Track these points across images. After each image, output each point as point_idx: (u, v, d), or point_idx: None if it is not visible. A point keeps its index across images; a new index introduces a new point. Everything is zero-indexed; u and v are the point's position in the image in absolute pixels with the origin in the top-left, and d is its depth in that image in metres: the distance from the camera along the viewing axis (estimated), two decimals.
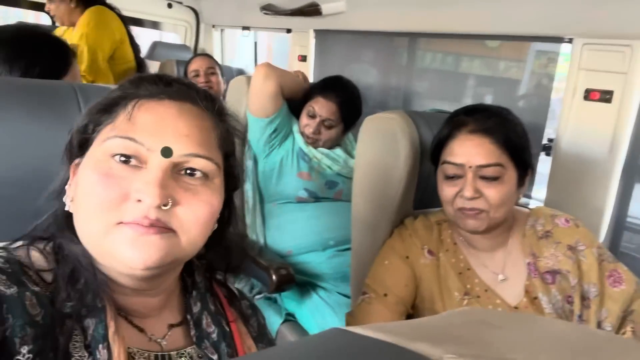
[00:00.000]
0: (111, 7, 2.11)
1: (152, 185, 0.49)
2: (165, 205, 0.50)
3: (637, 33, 1.16)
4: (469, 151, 0.92)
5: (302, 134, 1.61)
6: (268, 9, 2.28)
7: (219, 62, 2.48)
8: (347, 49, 2.28)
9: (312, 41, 2.23)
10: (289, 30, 2.36)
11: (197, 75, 2.24)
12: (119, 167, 0.51)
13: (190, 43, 3.10)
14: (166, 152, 0.51)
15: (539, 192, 1.50)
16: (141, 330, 0.56)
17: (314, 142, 1.61)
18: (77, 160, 0.55)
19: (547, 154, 1.46)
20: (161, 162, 0.51)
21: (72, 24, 2.08)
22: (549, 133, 1.51)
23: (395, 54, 2.18)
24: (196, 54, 2.55)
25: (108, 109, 0.53)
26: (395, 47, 2.16)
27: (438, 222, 1.06)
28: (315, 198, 1.61)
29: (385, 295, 1.01)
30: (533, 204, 1.46)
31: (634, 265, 1.01)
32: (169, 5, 2.96)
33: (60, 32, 2.12)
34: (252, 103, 1.60)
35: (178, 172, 0.53)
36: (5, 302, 0.45)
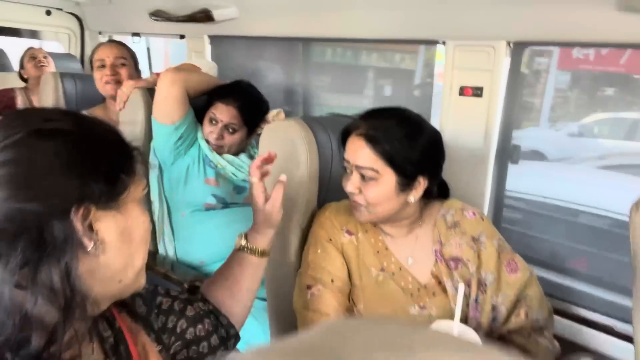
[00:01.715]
0: None
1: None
2: None
3: (498, 35, 1.32)
4: (354, 152, 1.02)
5: (207, 141, 1.61)
6: (157, 15, 2.21)
7: None
8: (245, 52, 2.29)
9: (208, 47, 2.21)
10: (182, 36, 2.31)
11: (102, 66, 1.87)
12: None
13: (76, 52, 2.91)
14: None
15: None
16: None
17: (218, 149, 1.61)
18: (88, 206, 0.56)
19: None
20: None
21: None
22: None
23: (294, 52, 2.23)
24: (103, 42, 2.05)
25: (131, 159, 0.63)
26: (294, 44, 2.19)
27: None
28: (224, 204, 1.62)
29: (332, 281, 1.08)
30: None
31: (513, 237, 1.16)
32: (48, 13, 2.75)
33: None
34: (157, 109, 1.57)
35: None
36: None
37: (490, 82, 1.36)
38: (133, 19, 2.45)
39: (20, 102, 2.41)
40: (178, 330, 0.79)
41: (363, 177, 1.02)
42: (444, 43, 1.44)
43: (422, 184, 1.04)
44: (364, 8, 1.55)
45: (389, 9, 1.49)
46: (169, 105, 1.55)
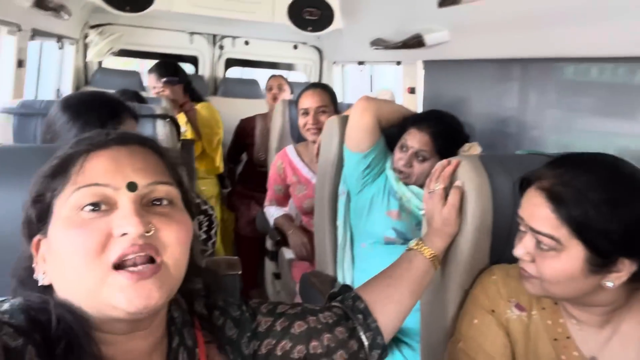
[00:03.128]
0: None
1: (130, 216, 0.53)
2: (148, 232, 0.53)
3: None
4: (530, 210, 0.79)
5: (395, 169, 1.54)
6: (377, 44, 2.27)
7: (340, 98, 2.46)
8: (458, 77, 2.11)
9: (420, 72, 2.14)
10: (398, 63, 2.31)
11: (305, 114, 2.02)
12: (91, 216, 0.54)
13: (315, 80, 3.25)
14: (131, 186, 0.55)
15: None
16: None
17: (406, 178, 1.52)
18: (38, 236, 0.58)
19: None
20: (130, 196, 0.55)
21: None
22: None
23: (512, 75, 1.90)
24: (309, 85, 2.13)
25: (60, 171, 0.57)
26: (511, 66, 1.87)
27: None
28: (404, 239, 1.51)
29: None
30: None
31: None
32: (295, 47, 3.15)
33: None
34: (349, 137, 1.59)
35: (147, 204, 0.57)
36: (9, 355, 0.50)
37: None
38: (358, 49, 2.58)
39: (258, 129, 2.78)
40: (279, 353, 0.71)
41: (539, 243, 0.78)
42: None
43: (626, 266, 0.73)
44: (604, 20, 1.21)
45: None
46: (360, 134, 1.54)
